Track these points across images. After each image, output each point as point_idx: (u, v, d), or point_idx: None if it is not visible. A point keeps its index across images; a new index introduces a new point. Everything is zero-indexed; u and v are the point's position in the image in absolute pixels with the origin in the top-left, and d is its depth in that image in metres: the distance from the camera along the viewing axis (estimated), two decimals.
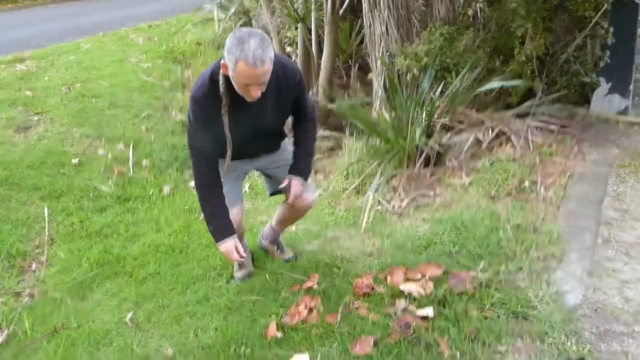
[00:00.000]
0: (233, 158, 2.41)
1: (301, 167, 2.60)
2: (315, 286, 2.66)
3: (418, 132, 3.78)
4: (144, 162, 4.98)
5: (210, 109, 2.23)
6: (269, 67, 2.04)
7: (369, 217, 3.35)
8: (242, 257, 2.46)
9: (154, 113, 6.02)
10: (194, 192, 4.44)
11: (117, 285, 3.17)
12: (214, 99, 2.20)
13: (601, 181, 3.42)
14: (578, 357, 2.02)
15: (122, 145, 5.23)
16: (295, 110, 2.54)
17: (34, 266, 3.54)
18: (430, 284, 2.44)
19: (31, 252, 3.70)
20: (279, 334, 2.33)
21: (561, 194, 3.29)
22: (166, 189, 4.49)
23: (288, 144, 2.75)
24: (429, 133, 4.02)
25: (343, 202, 3.81)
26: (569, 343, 2.08)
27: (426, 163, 4.02)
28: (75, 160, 4.86)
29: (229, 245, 2.43)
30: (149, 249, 3.51)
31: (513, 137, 3.99)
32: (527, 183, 3.42)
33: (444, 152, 3.97)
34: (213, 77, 2.20)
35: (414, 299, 2.41)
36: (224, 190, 2.48)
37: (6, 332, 2.86)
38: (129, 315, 2.76)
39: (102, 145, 5.23)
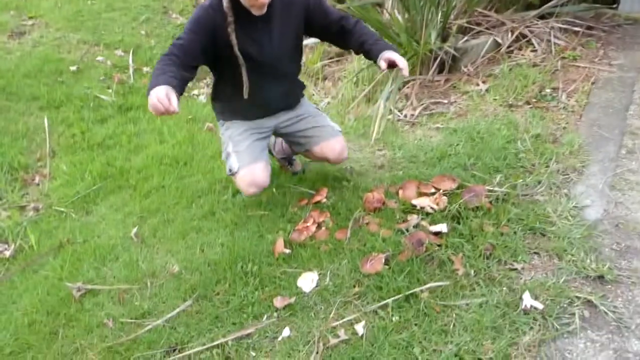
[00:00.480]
0: (251, 117, 2.38)
1: (384, 44, 2.26)
2: (324, 200, 2.57)
3: (433, 35, 3.53)
4: (145, 69, 4.78)
5: (216, 24, 2.08)
6: None
7: (379, 127, 3.20)
8: (173, 110, 1.83)
9: (153, 16, 5.72)
10: (198, 100, 4.31)
11: (121, 199, 3.10)
12: (220, 13, 2.07)
13: (627, 88, 3.22)
14: (597, 274, 1.94)
15: (121, 51, 5.02)
16: (328, 28, 2.31)
17: (37, 179, 3.47)
18: (444, 199, 2.33)
19: (33, 164, 3.61)
20: (287, 251, 2.26)
21: (584, 101, 3.10)
22: None
23: (306, 100, 2.62)
24: (444, 36, 3.76)
25: (352, 111, 3.65)
26: (588, 260, 2.00)
27: (440, 69, 3.80)
28: (73, 68, 4.67)
29: (159, 91, 1.84)
30: (152, 161, 3.41)
31: (534, 40, 3.74)
32: (547, 90, 3.23)
33: (460, 56, 3.73)
34: None
35: (427, 214, 2.31)
36: (245, 145, 2.39)
37: (13, 246, 2.84)
38: (134, 230, 2.71)
39: (100, 52, 5.02)
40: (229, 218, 2.62)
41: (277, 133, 2.61)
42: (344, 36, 2.33)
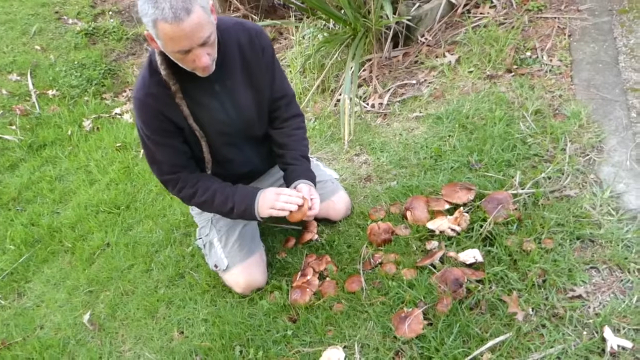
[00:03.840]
0: (234, 181, 1.88)
1: (304, 169, 1.91)
2: (316, 237, 2.12)
3: (387, 6, 3.05)
4: (50, 92, 4.07)
5: (163, 106, 1.61)
6: (199, 16, 1.38)
7: (350, 126, 2.75)
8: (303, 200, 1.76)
9: (45, 25, 4.92)
10: (123, 121, 3.69)
11: (58, 269, 2.53)
12: (162, 90, 1.59)
13: (607, 35, 2.91)
14: None
15: (15, 75, 4.25)
16: (273, 97, 1.88)
17: None
18: (466, 216, 1.93)
19: None
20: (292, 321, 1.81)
21: (568, 59, 2.77)
22: (87, 124, 3.68)
23: None
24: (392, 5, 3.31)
25: (310, 109, 3.17)
26: None
27: (395, 44, 3.37)
28: None
29: (270, 195, 1.76)
30: (86, 211, 2.83)
31: None
32: (526, 53, 2.86)
33: (415, 25, 3.31)
34: (152, 65, 1.60)
35: (448, 238, 1.92)
36: (234, 236, 1.98)
37: None
38: (87, 315, 2.17)
39: None
40: (203, 280, 2.12)
41: None
42: (272, 120, 1.94)
